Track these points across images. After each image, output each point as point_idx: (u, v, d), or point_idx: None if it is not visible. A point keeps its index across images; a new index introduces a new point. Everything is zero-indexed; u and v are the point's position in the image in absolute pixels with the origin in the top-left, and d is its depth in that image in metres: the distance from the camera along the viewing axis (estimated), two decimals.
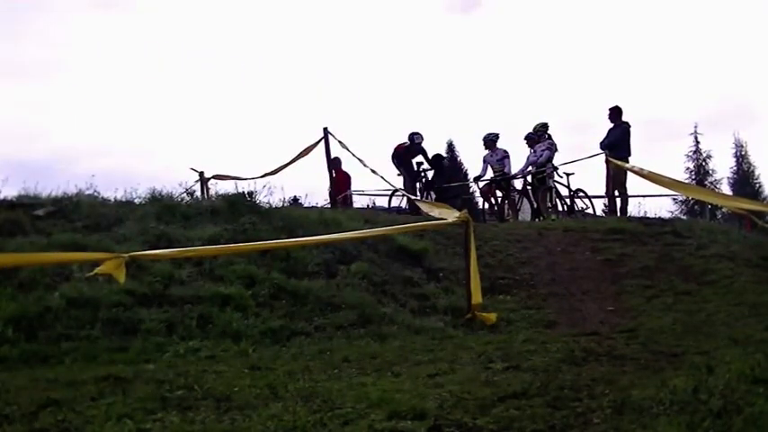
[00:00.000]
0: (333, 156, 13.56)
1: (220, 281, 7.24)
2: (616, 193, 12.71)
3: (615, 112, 12.68)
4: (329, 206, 12.68)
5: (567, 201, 13.37)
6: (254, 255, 7.77)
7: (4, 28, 73.75)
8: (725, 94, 69.35)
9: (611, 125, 12.70)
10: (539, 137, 13.28)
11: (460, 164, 39.35)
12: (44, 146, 66.56)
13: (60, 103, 69.73)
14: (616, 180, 12.38)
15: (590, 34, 76.57)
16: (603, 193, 13.19)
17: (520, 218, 13.40)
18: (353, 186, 14.92)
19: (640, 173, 11.66)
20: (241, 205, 9.09)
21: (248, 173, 13.32)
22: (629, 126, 12.65)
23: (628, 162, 12.19)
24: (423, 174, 14.59)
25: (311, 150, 13.53)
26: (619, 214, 12.47)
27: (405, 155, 14.43)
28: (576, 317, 7.82)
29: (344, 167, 14.53)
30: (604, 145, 12.46)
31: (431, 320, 7.40)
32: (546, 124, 13.46)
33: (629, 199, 12.92)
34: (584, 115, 63.52)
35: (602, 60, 73.94)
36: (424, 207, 9.83)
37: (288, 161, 13.63)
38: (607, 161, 12.26)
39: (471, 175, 18.06)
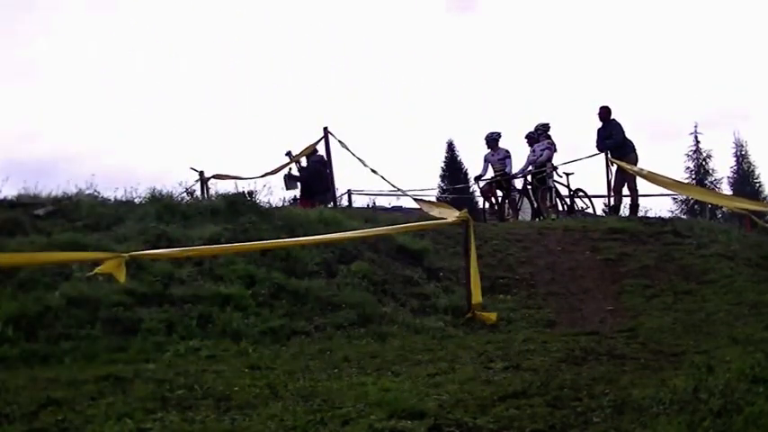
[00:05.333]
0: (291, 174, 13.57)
1: (220, 280, 7.24)
2: (625, 191, 12.71)
3: (607, 111, 12.69)
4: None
5: (567, 200, 13.36)
6: (254, 254, 7.77)
7: (3, 26, 73.70)
8: (725, 94, 69.24)
9: (600, 124, 12.71)
10: (538, 136, 13.27)
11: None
12: (44, 145, 66.46)
13: (60, 102, 69.66)
14: (628, 178, 12.38)
15: (590, 33, 76.48)
16: (607, 193, 13.13)
17: (520, 217, 13.40)
18: (354, 187, 14.89)
19: (639, 173, 11.72)
20: (241, 205, 9.08)
21: (248, 173, 13.34)
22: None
23: (637, 156, 12.26)
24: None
25: (311, 150, 13.55)
26: (629, 213, 12.48)
27: None
28: (576, 316, 7.82)
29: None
30: (610, 144, 12.44)
31: (431, 320, 7.40)
32: (547, 125, 13.45)
33: (628, 198, 12.93)
34: (584, 115, 63.46)
35: (603, 60, 73.77)
36: (424, 206, 9.82)
37: (288, 161, 13.65)
38: (611, 161, 12.29)
39: (472, 175, 18.00)
